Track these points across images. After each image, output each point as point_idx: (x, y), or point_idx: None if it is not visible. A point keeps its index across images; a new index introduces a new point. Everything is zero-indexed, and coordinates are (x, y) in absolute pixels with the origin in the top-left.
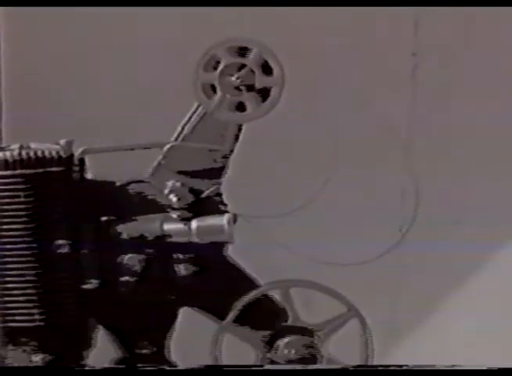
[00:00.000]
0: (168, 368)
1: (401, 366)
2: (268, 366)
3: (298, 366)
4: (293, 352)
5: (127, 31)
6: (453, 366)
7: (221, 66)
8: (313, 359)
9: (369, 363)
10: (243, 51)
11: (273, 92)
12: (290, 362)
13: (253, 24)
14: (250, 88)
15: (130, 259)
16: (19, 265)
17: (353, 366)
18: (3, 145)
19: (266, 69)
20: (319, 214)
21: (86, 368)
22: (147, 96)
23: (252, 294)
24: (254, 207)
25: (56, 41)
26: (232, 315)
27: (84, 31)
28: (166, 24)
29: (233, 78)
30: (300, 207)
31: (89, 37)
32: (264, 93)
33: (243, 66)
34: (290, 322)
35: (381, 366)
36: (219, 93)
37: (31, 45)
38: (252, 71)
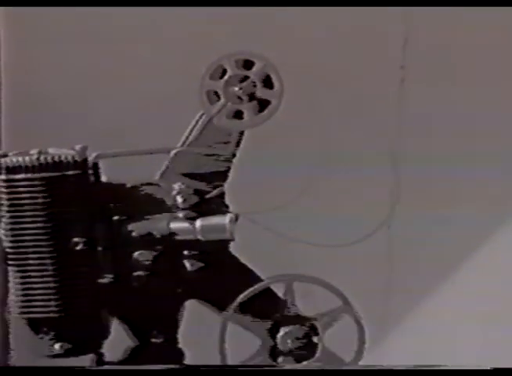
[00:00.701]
0: (168, 368)
1: (398, 366)
2: (280, 366)
3: (299, 366)
4: (290, 341)
5: (129, 36)
6: (439, 365)
7: (226, 76)
8: (311, 348)
9: (361, 356)
10: (248, 64)
11: (271, 105)
12: (289, 351)
13: (256, 37)
14: (251, 98)
15: (140, 255)
16: (39, 261)
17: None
18: (22, 150)
19: (267, 82)
20: (314, 205)
21: (86, 368)
22: (154, 104)
23: (254, 288)
24: (252, 205)
25: (56, 41)
26: (235, 305)
27: (85, 33)
28: (175, 34)
29: (236, 88)
30: (288, 203)
31: (90, 39)
32: (263, 103)
33: (246, 77)
34: (290, 313)
35: (380, 366)
36: (222, 100)
37: (31, 45)
38: (254, 83)
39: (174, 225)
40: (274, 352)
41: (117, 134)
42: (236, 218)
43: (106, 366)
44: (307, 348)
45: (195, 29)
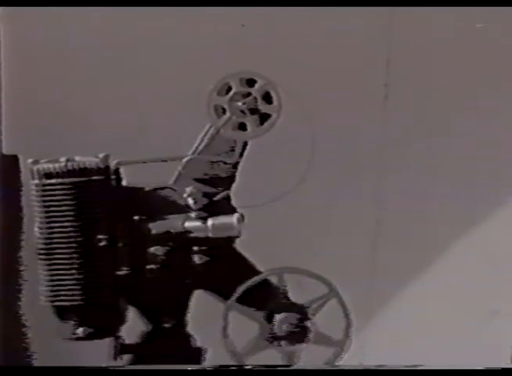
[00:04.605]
0: (168, 368)
1: (397, 366)
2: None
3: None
4: (286, 326)
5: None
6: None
7: (231, 93)
8: (303, 332)
9: (349, 334)
10: (251, 82)
11: (271, 118)
12: (284, 335)
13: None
14: (253, 112)
15: (155, 250)
16: (66, 256)
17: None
18: (52, 158)
19: (267, 98)
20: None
21: (86, 368)
22: (167, 117)
23: (253, 280)
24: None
25: (56, 41)
26: (236, 295)
27: (86, 37)
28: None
29: (240, 103)
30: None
31: (92, 43)
32: (264, 117)
33: (249, 93)
34: (283, 301)
35: (379, 366)
36: (227, 114)
37: (31, 45)
38: (256, 99)
39: (188, 224)
40: (272, 337)
41: (128, 141)
42: (242, 217)
43: (106, 366)
44: (301, 332)
45: (203, 46)
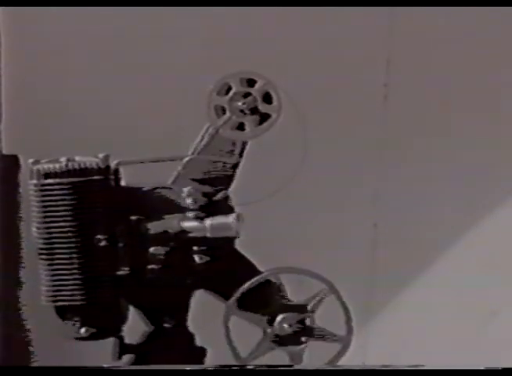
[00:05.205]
0: (170, 368)
1: (398, 366)
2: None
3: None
4: (287, 326)
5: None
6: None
7: (231, 93)
8: (305, 332)
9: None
10: (250, 82)
11: (271, 118)
12: (286, 336)
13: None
14: (253, 111)
15: (155, 250)
16: (66, 256)
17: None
18: (52, 158)
19: (267, 98)
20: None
21: (88, 368)
22: (166, 116)
23: (255, 280)
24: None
25: (56, 41)
26: (236, 296)
27: (87, 36)
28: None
29: (240, 103)
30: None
31: (92, 43)
32: (263, 117)
33: (248, 93)
34: (284, 301)
35: (379, 366)
36: (227, 114)
37: (31, 45)
38: (255, 99)
39: (185, 224)
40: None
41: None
42: (241, 217)
43: (108, 366)
44: (303, 331)
45: (204, 47)
